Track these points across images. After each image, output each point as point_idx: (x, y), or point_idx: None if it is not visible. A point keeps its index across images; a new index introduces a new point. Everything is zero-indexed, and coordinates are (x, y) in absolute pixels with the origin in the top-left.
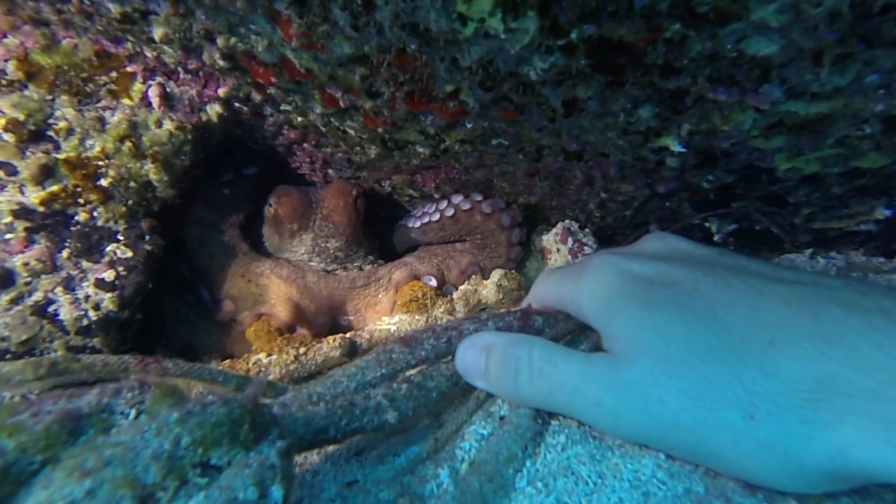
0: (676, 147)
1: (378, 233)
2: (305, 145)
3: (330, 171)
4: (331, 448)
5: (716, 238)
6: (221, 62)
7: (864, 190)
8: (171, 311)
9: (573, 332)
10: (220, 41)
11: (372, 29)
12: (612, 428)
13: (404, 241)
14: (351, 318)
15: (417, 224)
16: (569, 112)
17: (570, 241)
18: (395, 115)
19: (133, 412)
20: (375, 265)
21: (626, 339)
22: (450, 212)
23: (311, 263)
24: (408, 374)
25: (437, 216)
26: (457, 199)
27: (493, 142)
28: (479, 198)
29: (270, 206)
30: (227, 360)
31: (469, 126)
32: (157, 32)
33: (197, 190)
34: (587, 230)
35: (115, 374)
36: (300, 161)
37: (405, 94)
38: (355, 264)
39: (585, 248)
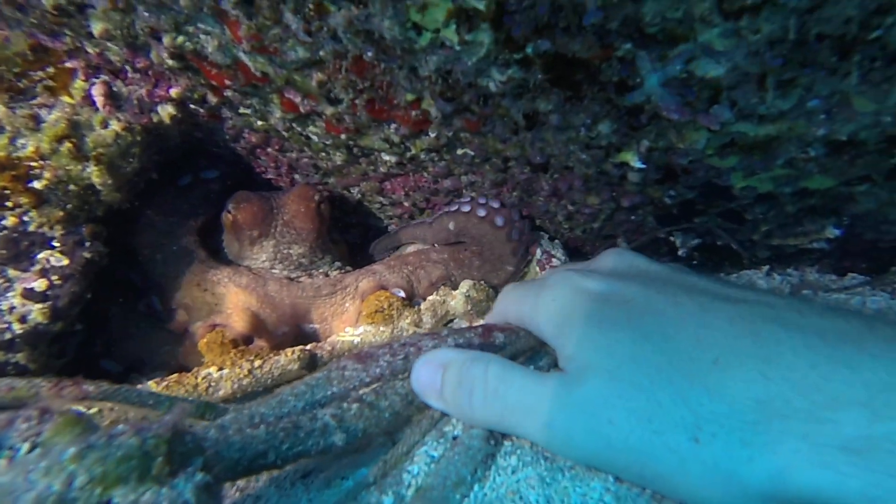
0: (636, 163)
1: (349, 239)
2: (269, 150)
3: (296, 176)
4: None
5: (680, 252)
6: (171, 62)
7: (815, 209)
8: (119, 321)
9: (534, 349)
10: (166, 40)
11: (326, 34)
12: (563, 450)
13: (390, 242)
14: (317, 326)
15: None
16: (531, 125)
17: (539, 252)
18: (358, 123)
19: (26, 446)
20: (343, 272)
21: (578, 359)
22: (466, 208)
23: (274, 271)
24: (361, 392)
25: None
26: (469, 204)
27: (459, 151)
28: (496, 205)
29: (229, 212)
30: (175, 375)
31: (433, 135)
32: (97, 28)
33: (151, 194)
34: (556, 241)
35: (23, 400)
36: (265, 165)
37: (366, 102)
38: (321, 271)
39: (554, 259)
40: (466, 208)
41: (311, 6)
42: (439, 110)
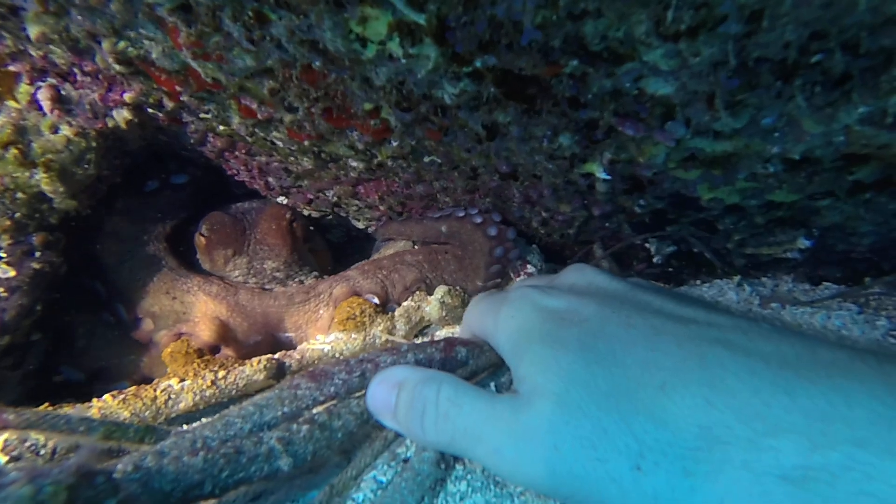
0: (601, 174)
1: (331, 239)
2: (237, 153)
3: (270, 179)
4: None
5: (655, 259)
6: (117, 66)
7: (784, 221)
8: (84, 330)
9: (497, 364)
10: (105, 45)
11: (270, 43)
12: (511, 476)
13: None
14: (292, 334)
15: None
16: (492, 136)
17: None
18: (319, 130)
19: None
20: (318, 279)
21: (529, 381)
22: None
23: (248, 283)
24: (314, 411)
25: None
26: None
27: (426, 159)
28: (497, 218)
29: (202, 234)
30: (132, 388)
31: (395, 144)
32: (32, 31)
33: (115, 200)
34: (534, 247)
35: None
36: (236, 168)
37: (322, 110)
38: (296, 280)
39: (529, 265)
40: (461, 213)
41: (250, 14)
42: (398, 120)
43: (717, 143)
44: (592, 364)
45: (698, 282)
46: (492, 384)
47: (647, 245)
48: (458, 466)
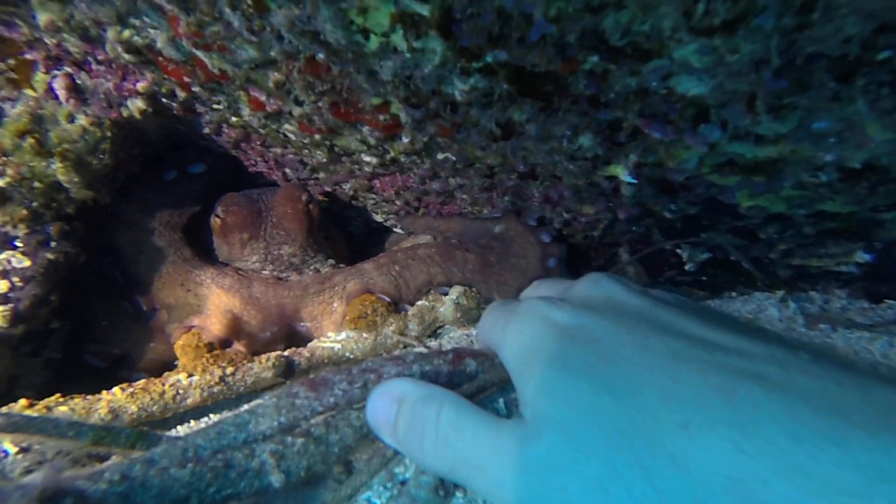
0: (626, 177)
1: (351, 231)
2: (252, 144)
3: (287, 170)
4: None
5: (687, 267)
6: (126, 55)
7: (838, 232)
8: (106, 317)
9: (506, 380)
10: (111, 33)
11: (270, 34)
12: None
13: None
14: (308, 325)
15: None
16: (507, 134)
17: None
18: (329, 124)
19: None
20: (335, 269)
21: (535, 408)
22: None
23: (265, 272)
24: (312, 422)
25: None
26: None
27: (440, 156)
28: (552, 233)
29: (217, 216)
30: (142, 381)
31: (407, 140)
32: (41, 18)
33: (134, 189)
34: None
35: None
36: (253, 159)
37: (329, 105)
38: (312, 268)
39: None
40: (507, 212)
41: (248, 2)
42: (409, 115)
43: (758, 149)
44: (604, 393)
45: (734, 294)
46: (500, 400)
47: (678, 251)
48: (459, 494)
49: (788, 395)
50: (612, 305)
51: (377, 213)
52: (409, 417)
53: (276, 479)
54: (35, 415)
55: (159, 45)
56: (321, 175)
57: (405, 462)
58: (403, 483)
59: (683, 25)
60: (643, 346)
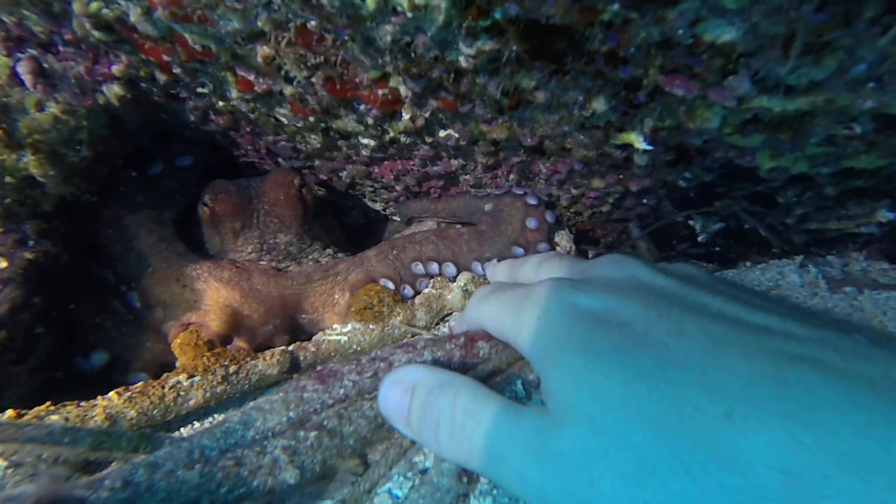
0: (642, 144)
1: (350, 222)
2: (242, 132)
3: (280, 159)
4: None
5: (700, 238)
6: (96, 33)
7: (863, 191)
8: (97, 319)
9: (521, 359)
10: (76, 6)
11: (256, 0)
12: None
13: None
14: (311, 316)
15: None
16: (515, 104)
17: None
18: (324, 103)
19: None
20: (335, 258)
21: (560, 398)
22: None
23: (262, 262)
24: (323, 415)
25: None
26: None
27: (442, 134)
28: (519, 190)
29: (205, 204)
30: (140, 384)
31: (407, 117)
32: None
33: (119, 184)
34: (563, 231)
35: None
36: (244, 149)
37: (324, 80)
38: (310, 258)
39: (557, 248)
40: (500, 192)
41: None
42: (409, 89)
43: (787, 102)
44: (636, 381)
45: (749, 263)
46: (518, 382)
47: (690, 222)
48: (483, 480)
49: (850, 381)
50: (637, 286)
51: (376, 202)
52: (422, 406)
53: (290, 475)
54: (25, 423)
55: (133, 18)
56: (317, 162)
57: (424, 451)
58: (424, 472)
59: None
60: (678, 331)
